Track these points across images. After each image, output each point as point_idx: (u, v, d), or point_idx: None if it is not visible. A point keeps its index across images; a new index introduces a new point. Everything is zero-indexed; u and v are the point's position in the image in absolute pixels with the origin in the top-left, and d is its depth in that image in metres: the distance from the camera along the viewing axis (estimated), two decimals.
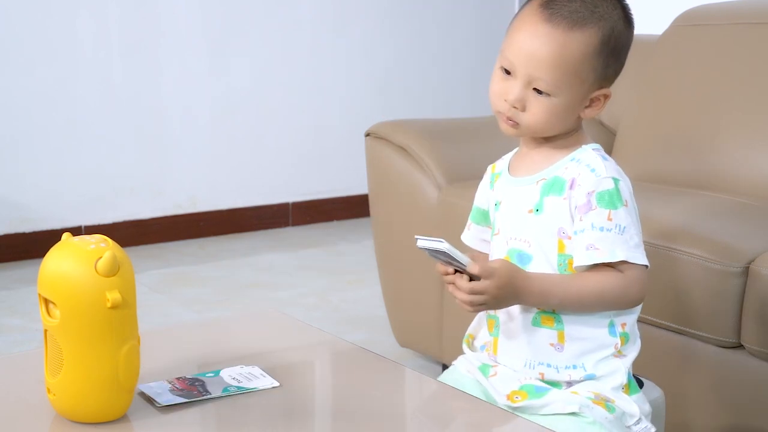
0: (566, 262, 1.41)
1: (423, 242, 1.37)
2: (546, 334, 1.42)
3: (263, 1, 4.18)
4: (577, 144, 1.44)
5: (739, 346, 1.85)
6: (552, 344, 1.42)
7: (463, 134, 2.60)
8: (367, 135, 2.61)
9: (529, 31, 1.39)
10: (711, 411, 1.90)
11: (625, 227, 1.38)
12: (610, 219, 1.37)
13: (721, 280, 1.82)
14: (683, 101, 2.48)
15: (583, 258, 1.37)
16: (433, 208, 2.41)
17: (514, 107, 1.40)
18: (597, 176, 1.39)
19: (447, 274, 1.40)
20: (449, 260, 1.37)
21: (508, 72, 1.41)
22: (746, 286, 1.81)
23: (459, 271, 1.38)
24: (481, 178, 1.59)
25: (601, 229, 1.37)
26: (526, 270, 1.41)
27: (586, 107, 1.43)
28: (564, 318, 1.41)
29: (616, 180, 1.39)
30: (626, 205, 1.39)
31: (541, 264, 1.42)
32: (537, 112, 1.40)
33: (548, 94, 1.38)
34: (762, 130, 2.30)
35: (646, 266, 1.40)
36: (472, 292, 1.35)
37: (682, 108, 2.47)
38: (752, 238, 1.90)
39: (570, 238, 1.40)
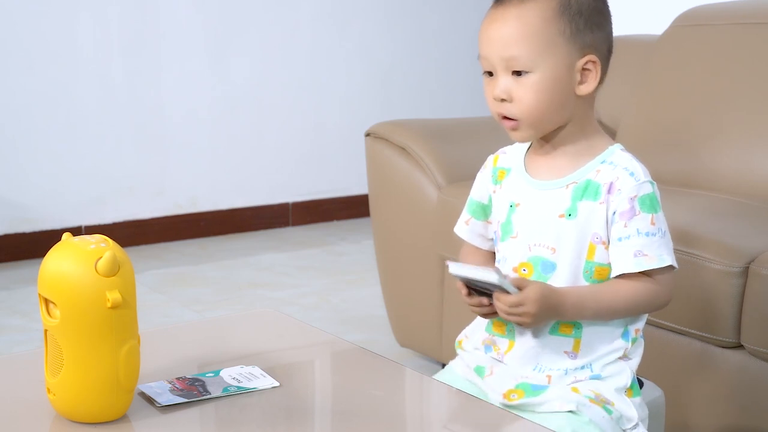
0: (593, 269, 1.40)
1: (460, 270, 1.35)
2: (562, 342, 1.41)
3: (263, 1, 4.18)
4: (602, 144, 1.43)
5: (739, 346, 1.85)
6: (566, 352, 1.41)
7: (463, 134, 2.60)
8: (367, 135, 2.61)
9: (488, 22, 1.41)
10: (711, 411, 1.90)
11: (665, 231, 1.39)
12: (653, 223, 1.37)
13: (721, 280, 1.82)
14: (683, 101, 2.47)
15: (631, 265, 1.36)
16: (433, 208, 2.41)
17: (502, 99, 1.38)
18: (637, 180, 1.38)
19: (470, 297, 1.40)
20: (491, 287, 1.35)
21: (490, 74, 1.41)
22: (746, 286, 1.81)
23: (485, 292, 1.38)
24: None
25: (647, 234, 1.36)
26: (550, 279, 1.40)
27: (580, 83, 1.39)
28: (584, 325, 1.40)
29: (652, 183, 1.39)
30: (662, 208, 1.40)
31: (565, 272, 1.40)
32: (524, 95, 1.37)
33: (527, 71, 1.36)
34: (762, 130, 2.30)
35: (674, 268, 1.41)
36: (512, 305, 1.35)
37: (682, 108, 2.47)
38: (752, 238, 1.90)
39: (604, 243, 1.39)
